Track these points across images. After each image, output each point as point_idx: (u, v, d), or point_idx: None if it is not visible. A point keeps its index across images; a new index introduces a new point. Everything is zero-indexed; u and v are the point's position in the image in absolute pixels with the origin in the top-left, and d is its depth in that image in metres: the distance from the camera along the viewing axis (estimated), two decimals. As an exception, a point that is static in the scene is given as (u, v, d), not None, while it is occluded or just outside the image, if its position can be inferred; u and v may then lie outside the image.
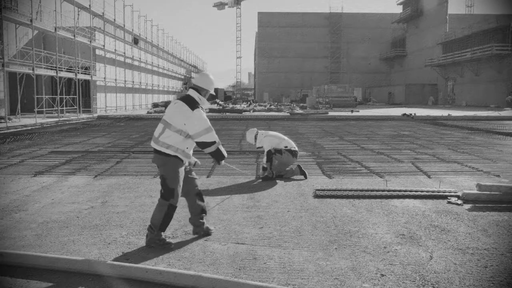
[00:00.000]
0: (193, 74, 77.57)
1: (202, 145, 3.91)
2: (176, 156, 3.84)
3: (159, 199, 3.90)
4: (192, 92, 3.98)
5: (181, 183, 3.92)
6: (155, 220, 3.85)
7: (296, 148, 7.37)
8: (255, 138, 7.48)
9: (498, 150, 10.56)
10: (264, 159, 7.17)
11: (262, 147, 7.39)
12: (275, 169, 7.05)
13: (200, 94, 3.98)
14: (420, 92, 54.08)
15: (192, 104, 3.87)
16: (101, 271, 3.30)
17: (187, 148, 3.91)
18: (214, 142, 3.91)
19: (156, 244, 3.82)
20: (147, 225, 4.40)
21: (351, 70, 70.21)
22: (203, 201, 4.21)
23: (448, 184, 6.61)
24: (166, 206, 3.84)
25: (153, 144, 3.94)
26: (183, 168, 3.94)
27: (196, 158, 4.35)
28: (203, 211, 4.18)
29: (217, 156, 4.04)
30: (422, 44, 57.73)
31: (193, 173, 4.19)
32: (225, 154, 4.09)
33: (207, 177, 7.22)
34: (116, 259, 3.63)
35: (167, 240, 3.92)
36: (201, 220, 4.17)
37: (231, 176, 7.21)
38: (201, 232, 4.18)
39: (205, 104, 3.99)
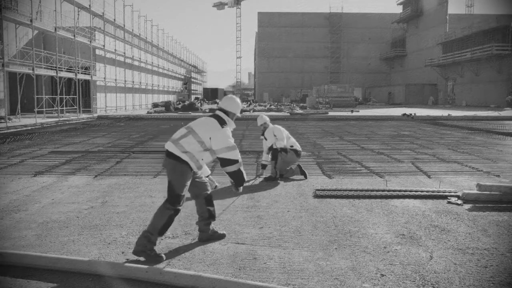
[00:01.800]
0: (193, 74, 77.57)
1: (224, 162, 3.86)
2: (187, 163, 3.78)
3: (164, 202, 3.80)
4: (220, 114, 4.06)
5: (187, 189, 3.86)
6: (156, 223, 3.71)
7: (300, 149, 7.38)
8: (264, 125, 7.39)
9: (498, 150, 10.56)
10: (266, 156, 7.17)
11: (266, 139, 7.26)
12: (277, 168, 7.03)
13: (228, 116, 4.07)
14: (420, 92, 54.07)
15: (222, 122, 3.97)
16: (101, 271, 3.31)
17: (202, 159, 3.88)
18: (236, 161, 3.85)
19: (147, 255, 3.63)
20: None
21: (351, 70, 70.19)
22: (212, 205, 4.10)
23: (448, 184, 6.61)
24: (172, 210, 3.76)
25: (169, 145, 3.86)
26: (190, 176, 3.86)
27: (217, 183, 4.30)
28: (212, 216, 4.09)
29: (237, 178, 3.93)
30: (422, 44, 57.71)
31: (203, 176, 4.10)
32: (246, 178, 4.00)
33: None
34: (116, 259, 3.64)
35: (160, 253, 3.72)
36: (207, 226, 4.09)
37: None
38: (206, 237, 4.10)
39: (232, 126, 4.06)
